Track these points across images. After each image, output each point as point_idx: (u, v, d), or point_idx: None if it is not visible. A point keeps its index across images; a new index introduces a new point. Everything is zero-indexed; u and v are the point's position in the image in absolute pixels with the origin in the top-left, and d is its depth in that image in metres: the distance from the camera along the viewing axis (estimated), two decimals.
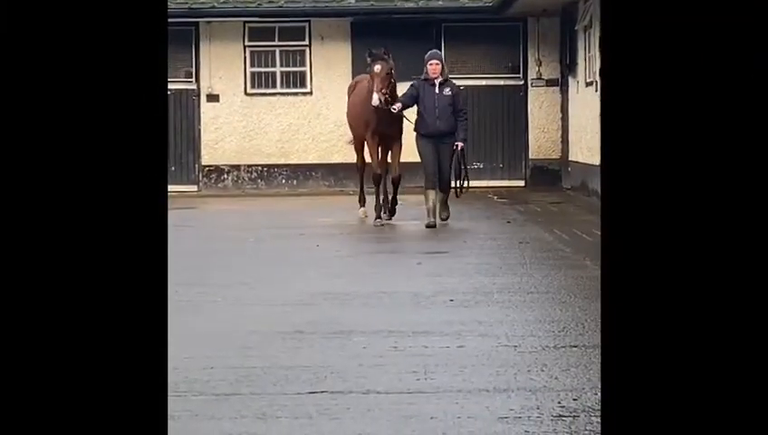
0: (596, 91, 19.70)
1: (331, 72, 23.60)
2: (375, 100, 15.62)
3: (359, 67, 22.50)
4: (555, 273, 11.06)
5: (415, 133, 16.09)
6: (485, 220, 16.75)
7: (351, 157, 23.81)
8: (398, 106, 15.86)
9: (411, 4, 23.12)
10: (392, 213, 16.87)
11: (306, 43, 23.74)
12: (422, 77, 16.21)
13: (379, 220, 16.37)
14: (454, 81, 16.81)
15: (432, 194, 15.81)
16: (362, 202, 17.47)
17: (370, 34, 22.08)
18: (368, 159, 17.18)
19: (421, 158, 16.08)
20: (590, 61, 20.68)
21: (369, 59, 16.25)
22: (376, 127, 16.33)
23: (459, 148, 15.92)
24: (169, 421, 5.80)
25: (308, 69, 23.76)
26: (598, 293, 9.47)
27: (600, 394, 6.28)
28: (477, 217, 17.01)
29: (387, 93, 15.84)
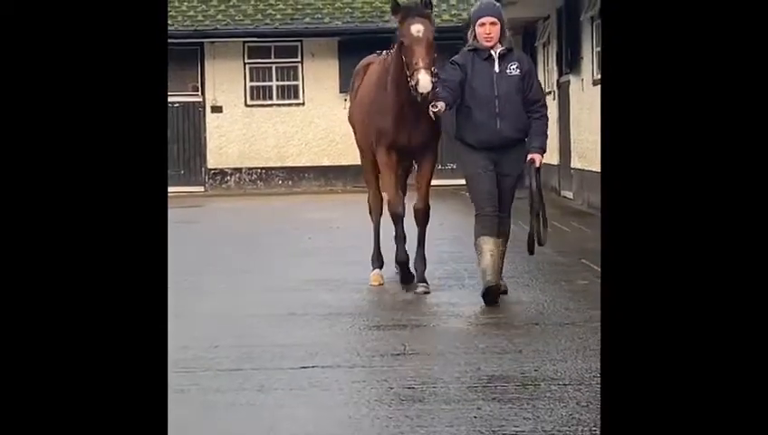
0: (553, 99, 19.73)
1: (321, 85, 23.60)
2: (425, 83, 8.12)
3: (345, 80, 22.47)
4: (519, 259, 11.05)
5: (458, 143, 8.68)
6: (459, 213, 16.75)
7: (339, 159, 24.07)
8: (441, 106, 8.13)
9: (392, 25, 23.07)
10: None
11: (299, 59, 23.74)
12: (468, 47, 8.51)
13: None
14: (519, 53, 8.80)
15: (490, 244, 8.41)
16: (378, 262, 9.73)
17: (356, 52, 21.99)
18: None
19: (468, 184, 8.64)
20: (548, 73, 20.72)
21: (395, 17, 8.92)
22: (395, 137, 8.95)
23: (536, 163, 8.44)
24: (179, 394, 5.82)
25: (300, 83, 23.76)
26: (557, 276, 9.52)
27: (557, 365, 6.32)
28: (452, 211, 17.02)
29: (437, 75, 8.29)
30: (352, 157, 22.42)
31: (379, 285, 9.43)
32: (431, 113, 8.20)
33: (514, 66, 8.40)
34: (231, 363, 6.62)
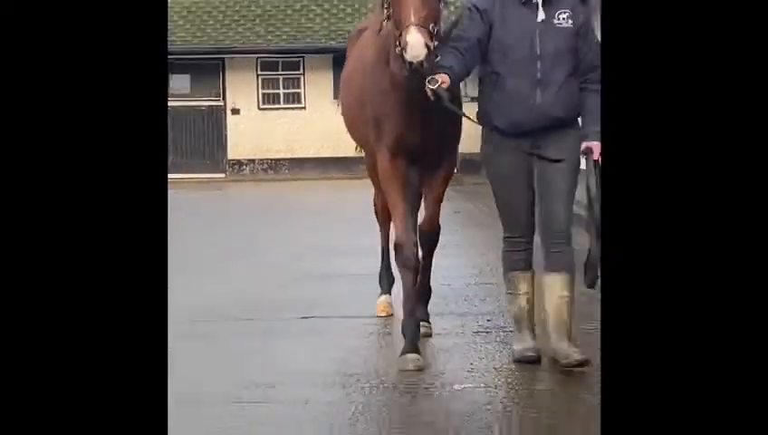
0: None
1: (319, 92, 23.62)
2: (415, 47, 4.32)
3: (339, 88, 22.42)
4: (476, 232, 11.09)
5: (480, 130, 5.04)
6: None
7: (335, 152, 24.02)
8: (442, 80, 4.49)
9: None
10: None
11: (301, 72, 23.81)
12: None
13: (415, 358, 5.02)
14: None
15: (524, 283, 4.95)
16: (386, 286, 6.52)
17: None
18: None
19: (494, 189, 4.99)
20: None
21: None
22: (401, 134, 4.96)
23: (594, 155, 4.64)
24: (189, 342, 5.68)
25: (302, 91, 23.82)
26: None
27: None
28: None
29: (434, 39, 4.42)
30: (347, 149, 22.42)
31: (389, 313, 6.28)
32: (428, 92, 4.51)
33: (566, 15, 4.74)
34: (237, 313, 6.57)
